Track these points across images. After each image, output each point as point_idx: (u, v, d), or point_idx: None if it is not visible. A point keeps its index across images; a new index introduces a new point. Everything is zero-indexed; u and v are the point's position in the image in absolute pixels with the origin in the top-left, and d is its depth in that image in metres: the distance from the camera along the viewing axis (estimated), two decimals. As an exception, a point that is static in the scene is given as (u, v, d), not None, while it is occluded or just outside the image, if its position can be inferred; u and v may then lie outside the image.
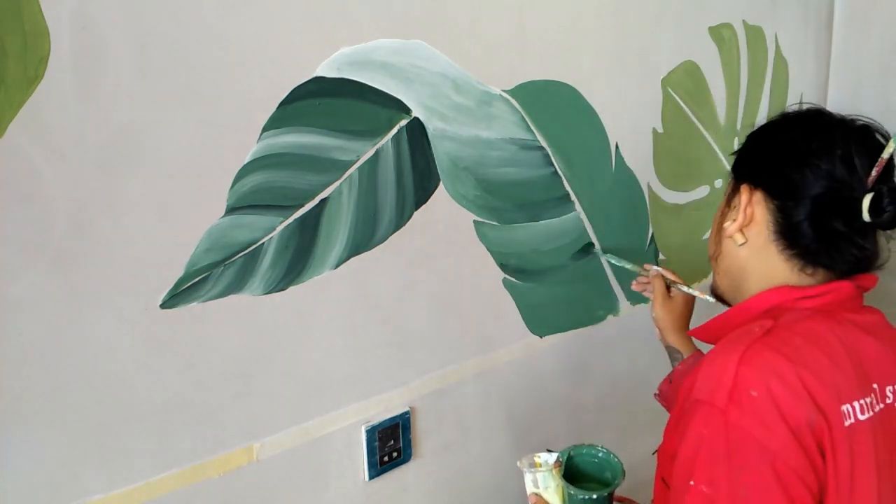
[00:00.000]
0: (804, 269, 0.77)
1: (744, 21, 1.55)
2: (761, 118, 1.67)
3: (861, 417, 0.69)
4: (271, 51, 0.84)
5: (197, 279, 0.82)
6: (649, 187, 1.40)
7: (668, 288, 1.09)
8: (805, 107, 0.84)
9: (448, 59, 1.01)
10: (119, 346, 0.78)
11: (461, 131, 1.05)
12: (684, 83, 1.42)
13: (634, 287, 1.19)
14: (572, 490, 0.88)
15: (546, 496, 0.90)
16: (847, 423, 0.67)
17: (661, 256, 1.46)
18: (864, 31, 1.80)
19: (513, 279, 1.19)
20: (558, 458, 0.92)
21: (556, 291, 1.26)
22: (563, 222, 1.24)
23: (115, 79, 0.73)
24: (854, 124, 0.77)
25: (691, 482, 0.68)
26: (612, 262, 1.25)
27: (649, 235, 1.43)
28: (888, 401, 0.73)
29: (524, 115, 1.13)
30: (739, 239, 0.80)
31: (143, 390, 0.80)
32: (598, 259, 1.32)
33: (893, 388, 0.74)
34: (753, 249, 0.80)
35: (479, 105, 1.06)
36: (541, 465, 0.91)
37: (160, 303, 0.80)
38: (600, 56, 1.24)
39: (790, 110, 0.84)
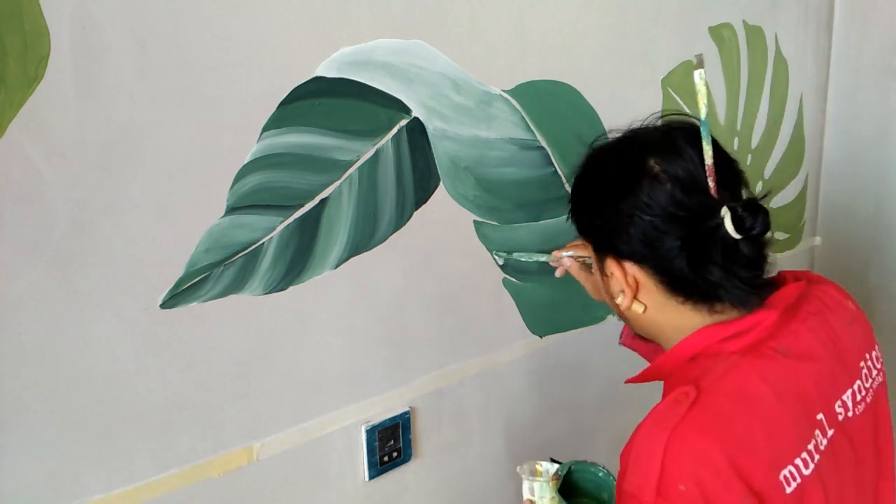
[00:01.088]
0: (713, 308, 0.73)
1: (744, 21, 1.55)
2: (761, 118, 1.67)
3: (806, 473, 0.65)
4: (271, 51, 0.84)
5: (197, 279, 0.82)
6: (649, 187, 1.39)
7: (586, 266, 1.01)
8: (598, 141, 0.80)
9: (448, 59, 1.01)
10: (119, 346, 0.78)
11: (461, 131, 1.05)
12: (684, 83, 1.42)
13: (558, 274, 1.09)
14: None
15: None
16: (789, 490, 0.64)
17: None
18: (864, 31, 1.80)
19: (513, 279, 1.19)
20: (557, 471, 0.92)
21: (556, 291, 1.26)
22: (563, 222, 1.24)
23: (115, 79, 0.73)
24: (661, 137, 0.73)
25: None
26: (523, 258, 1.18)
27: (649, 235, 1.42)
28: (841, 417, 0.71)
29: (524, 115, 1.13)
30: (638, 308, 0.76)
31: (143, 390, 0.80)
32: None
33: (842, 400, 0.71)
34: (655, 309, 0.75)
35: (479, 105, 1.06)
36: (541, 474, 0.91)
37: (160, 303, 0.80)
38: (600, 56, 1.24)
39: (600, 142, 0.80)
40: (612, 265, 0.75)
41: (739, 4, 1.53)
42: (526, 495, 0.92)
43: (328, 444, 0.99)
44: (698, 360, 0.72)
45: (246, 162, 0.84)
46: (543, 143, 1.17)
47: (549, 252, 1.08)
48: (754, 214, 0.67)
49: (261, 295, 0.88)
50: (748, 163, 1.65)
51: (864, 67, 1.81)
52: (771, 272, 0.74)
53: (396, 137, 0.98)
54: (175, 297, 0.81)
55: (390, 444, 1.05)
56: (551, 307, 1.26)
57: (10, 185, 0.69)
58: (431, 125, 1.01)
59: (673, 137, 0.73)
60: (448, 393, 1.14)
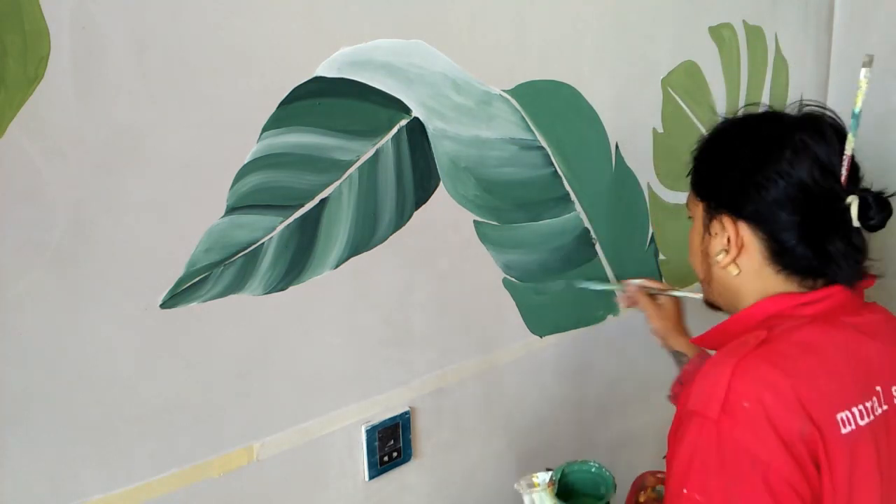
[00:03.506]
0: (802, 282, 0.78)
1: (744, 21, 1.55)
2: (761, 118, 1.67)
3: (861, 423, 0.69)
4: (271, 51, 0.84)
5: (197, 279, 0.82)
6: (649, 187, 1.40)
7: (653, 297, 1.10)
8: (746, 110, 0.84)
9: (448, 59, 1.01)
10: (119, 346, 0.78)
11: (461, 131, 1.05)
12: (684, 83, 1.42)
13: (624, 304, 1.20)
14: None
15: None
16: (844, 431, 0.67)
17: (661, 256, 1.46)
18: (864, 31, 1.80)
19: (513, 279, 1.19)
20: (552, 477, 0.93)
21: (557, 291, 1.26)
22: (564, 222, 1.24)
23: (115, 79, 0.73)
24: (807, 118, 0.78)
25: (685, 490, 0.69)
26: (593, 287, 1.25)
27: (649, 235, 1.43)
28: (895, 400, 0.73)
29: (524, 115, 1.13)
30: (734, 270, 0.80)
31: (142, 390, 0.80)
32: (599, 263, 1.32)
33: None
34: (748, 276, 0.80)
35: (479, 105, 1.06)
36: (538, 486, 0.92)
37: (160, 303, 0.80)
38: (600, 56, 1.24)
39: (734, 116, 0.84)
40: (725, 223, 0.79)
41: (739, 4, 1.53)
42: None
43: (328, 444, 0.99)
44: (770, 320, 0.76)
45: (246, 162, 0.84)
46: (543, 143, 1.17)
47: (619, 282, 1.18)
48: (881, 208, 0.73)
49: (261, 295, 0.88)
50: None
51: (864, 67, 1.81)
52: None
53: (396, 137, 0.98)
54: (175, 297, 0.81)
55: (390, 444, 1.05)
56: (551, 307, 1.26)
57: (10, 185, 0.69)
58: (431, 125, 1.01)
59: (819, 123, 0.78)
60: (448, 393, 1.14)
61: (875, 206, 0.73)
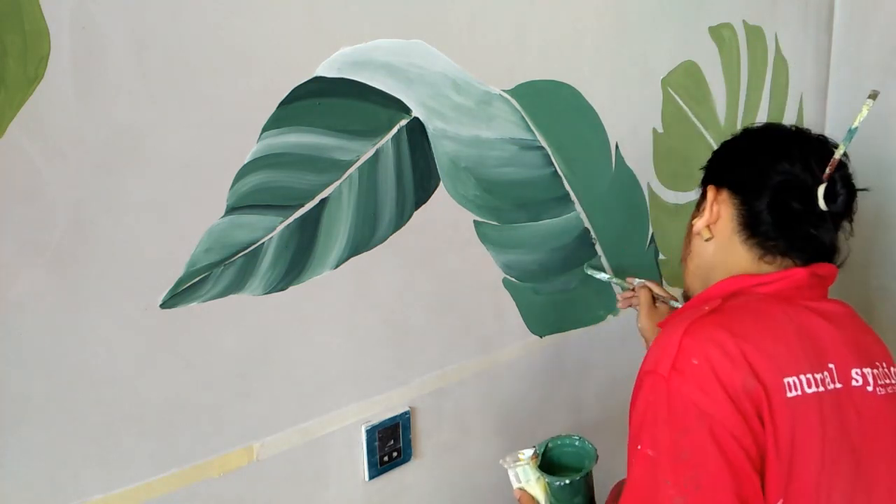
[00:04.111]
0: (763, 257, 0.82)
1: (744, 21, 1.55)
2: (761, 118, 1.67)
3: (808, 390, 0.71)
4: (271, 51, 0.84)
5: (197, 279, 0.82)
6: (649, 187, 1.40)
7: (654, 300, 1.13)
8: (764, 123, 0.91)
9: (448, 59, 1.01)
10: (119, 346, 0.78)
11: (461, 131, 1.05)
12: (684, 83, 1.42)
13: (620, 305, 1.21)
14: (547, 478, 0.91)
15: (529, 489, 0.93)
16: (790, 395, 0.70)
17: (661, 256, 1.46)
18: (864, 31, 1.80)
19: (513, 279, 1.19)
20: (535, 451, 0.94)
21: (556, 291, 1.26)
22: (563, 222, 1.24)
23: (115, 79, 0.73)
24: (810, 134, 0.84)
25: (638, 446, 0.72)
26: (598, 276, 1.26)
27: (649, 235, 1.43)
28: (854, 384, 0.75)
29: (524, 115, 1.13)
30: (706, 234, 0.86)
31: (142, 390, 0.80)
32: (599, 260, 1.32)
33: (861, 371, 0.76)
34: (719, 243, 0.85)
35: (479, 105, 1.06)
36: (522, 461, 0.93)
37: (160, 303, 0.80)
38: (600, 56, 1.24)
39: (752, 126, 0.91)
40: (711, 190, 0.86)
41: (739, 4, 1.53)
42: (514, 484, 0.94)
43: (328, 444, 0.99)
44: (727, 297, 0.80)
45: (246, 162, 0.84)
46: (543, 143, 1.17)
47: (623, 278, 1.21)
48: (845, 185, 0.79)
49: (261, 295, 0.88)
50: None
51: (864, 67, 1.81)
52: (843, 257, 0.84)
53: (396, 137, 0.98)
54: (175, 297, 0.81)
55: (390, 444, 1.05)
56: (551, 307, 1.26)
57: (10, 185, 0.69)
58: (431, 125, 1.01)
59: (810, 133, 0.85)
60: (448, 393, 1.14)
61: (840, 182, 0.79)
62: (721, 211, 0.85)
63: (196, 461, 0.86)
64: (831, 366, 0.74)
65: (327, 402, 0.98)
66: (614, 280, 1.24)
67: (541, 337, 1.26)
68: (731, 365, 0.69)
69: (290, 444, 0.95)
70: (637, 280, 1.17)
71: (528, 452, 0.93)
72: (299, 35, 0.86)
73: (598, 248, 1.31)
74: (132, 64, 0.74)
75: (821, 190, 0.77)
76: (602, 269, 1.28)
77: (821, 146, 0.82)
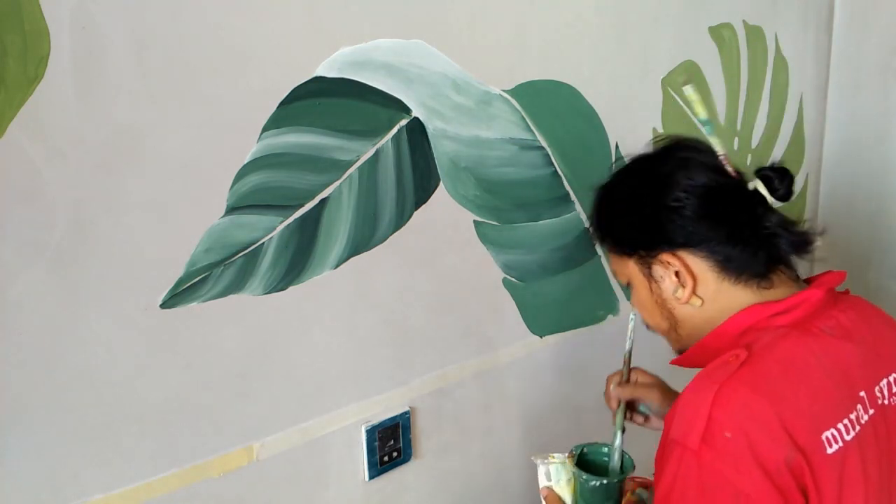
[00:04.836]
0: (760, 284, 0.77)
1: (744, 21, 1.55)
2: (761, 118, 1.67)
3: (847, 438, 0.67)
4: (271, 51, 0.84)
5: (197, 279, 0.82)
6: (649, 187, 1.40)
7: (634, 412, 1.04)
8: (625, 160, 0.86)
9: (448, 59, 1.01)
10: (119, 346, 0.78)
11: (461, 131, 1.05)
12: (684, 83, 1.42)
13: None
14: (584, 476, 0.88)
15: (557, 489, 0.91)
16: (831, 451, 0.66)
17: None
18: (864, 31, 1.80)
19: (513, 279, 1.19)
20: (571, 450, 0.93)
21: (556, 291, 1.26)
22: (564, 222, 1.24)
23: (115, 79, 0.73)
24: (671, 145, 0.81)
25: None
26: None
27: (649, 235, 1.42)
28: (881, 402, 0.73)
29: (524, 115, 1.13)
30: (697, 302, 0.79)
31: (142, 390, 0.80)
32: (599, 263, 1.32)
33: (880, 386, 0.74)
34: (711, 300, 0.79)
35: (479, 105, 1.06)
36: (555, 459, 0.92)
37: (160, 303, 0.80)
38: (600, 56, 1.24)
39: (607, 179, 0.86)
40: (666, 259, 0.79)
41: (739, 4, 1.53)
42: (542, 482, 0.92)
43: (328, 444, 0.99)
44: (747, 334, 0.75)
45: (246, 162, 0.84)
46: (543, 143, 1.17)
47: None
48: (782, 176, 0.76)
49: (261, 295, 0.88)
50: (748, 163, 1.65)
51: (864, 67, 1.81)
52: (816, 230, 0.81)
53: (396, 137, 0.98)
54: (175, 297, 0.81)
55: (390, 444, 1.05)
56: (551, 307, 1.26)
57: (10, 185, 0.69)
58: (431, 125, 1.01)
59: (683, 141, 0.81)
60: (448, 393, 1.14)
61: (776, 176, 0.75)
62: (694, 269, 0.78)
63: (196, 461, 0.86)
64: (862, 394, 0.71)
65: (327, 402, 0.98)
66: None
67: (541, 337, 1.26)
68: (770, 439, 0.64)
69: (290, 444, 0.95)
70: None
71: (558, 455, 0.92)
72: (299, 35, 0.86)
73: (597, 248, 1.31)
74: (132, 64, 0.74)
75: (761, 188, 0.75)
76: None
77: (708, 150, 0.78)
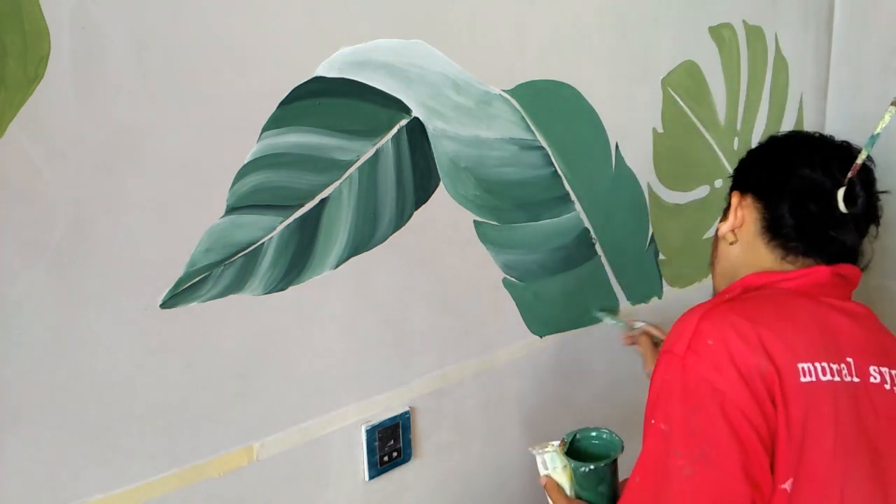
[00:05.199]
0: (785, 257, 0.84)
1: (744, 21, 1.55)
2: (761, 118, 1.67)
3: (822, 378, 0.72)
4: (271, 51, 0.84)
5: (197, 279, 0.82)
6: (649, 187, 1.40)
7: (654, 345, 1.17)
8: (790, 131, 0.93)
9: (448, 59, 1.01)
10: (119, 346, 0.78)
11: (461, 131, 1.05)
12: (684, 83, 1.42)
13: (624, 342, 1.26)
14: (573, 463, 0.91)
15: (555, 476, 0.94)
16: (804, 380, 0.71)
17: (661, 256, 1.46)
18: (864, 31, 1.80)
19: (513, 279, 1.19)
20: (563, 439, 0.96)
21: (556, 291, 1.26)
22: (564, 222, 1.24)
23: (115, 79, 0.73)
24: (833, 141, 0.87)
25: (652, 421, 0.75)
26: (602, 319, 1.31)
27: (649, 235, 1.43)
28: (872, 380, 0.76)
29: (524, 115, 1.13)
30: (730, 238, 0.89)
31: (142, 390, 0.80)
32: (599, 263, 1.32)
33: (879, 369, 0.77)
34: (743, 247, 0.88)
35: (479, 105, 1.06)
36: (550, 448, 0.95)
37: (160, 303, 0.80)
38: (600, 56, 1.24)
39: (777, 134, 0.93)
40: (735, 196, 0.89)
41: (739, 4, 1.53)
42: (542, 471, 0.95)
43: (328, 444, 0.99)
44: (750, 290, 0.83)
45: (246, 162, 0.84)
46: (543, 143, 1.17)
47: (624, 321, 1.25)
48: (864, 188, 0.81)
49: (261, 295, 0.88)
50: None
51: (864, 67, 1.81)
52: (867, 260, 0.87)
53: (396, 137, 0.98)
54: (175, 297, 0.81)
55: (390, 444, 1.05)
56: (551, 307, 1.26)
57: (10, 185, 0.69)
58: (431, 125, 1.01)
59: (847, 143, 0.87)
60: (448, 393, 1.14)
61: (860, 186, 0.81)
62: (745, 215, 0.88)
63: (196, 461, 0.86)
64: (849, 360, 0.75)
65: (327, 402, 0.98)
66: (618, 323, 1.28)
67: (541, 337, 1.26)
68: (746, 347, 0.71)
69: (290, 444, 0.95)
70: (638, 322, 1.19)
71: (556, 443, 0.95)
72: (299, 35, 0.86)
73: (597, 248, 1.31)
74: (132, 64, 0.74)
75: (840, 193, 0.79)
76: (613, 312, 1.31)
77: (843, 151, 0.84)
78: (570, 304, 1.29)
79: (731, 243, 0.89)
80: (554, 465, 0.93)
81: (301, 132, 0.88)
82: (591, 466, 0.89)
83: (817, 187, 0.81)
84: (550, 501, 0.94)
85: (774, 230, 0.85)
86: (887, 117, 0.81)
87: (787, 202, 0.83)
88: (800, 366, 0.72)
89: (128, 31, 0.73)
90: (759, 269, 0.86)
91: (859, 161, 0.80)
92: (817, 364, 0.73)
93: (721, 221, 0.92)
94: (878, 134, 0.82)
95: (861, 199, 0.81)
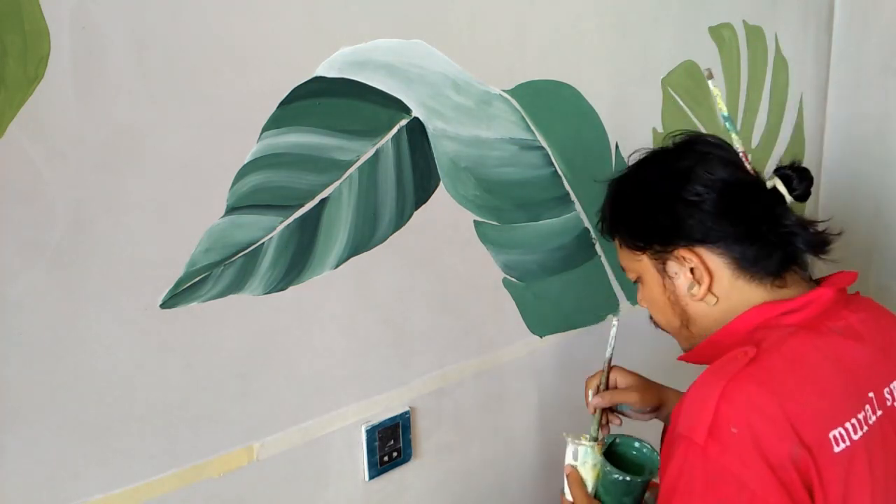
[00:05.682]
0: (774, 283, 0.78)
1: (744, 21, 1.55)
2: (761, 118, 1.67)
3: (855, 437, 0.67)
4: (271, 51, 0.84)
5: (197, 279, 0.82)
6: (649, 187, 1.40)
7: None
8: (634, 156, 0.86)
9: (448, 59, 1.01)
10: (119, 346, 0.78)
11: (461, 131, 1.05)
12: (684, 83, 1.42)
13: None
14: (608, 468, 0.88)
15: (582, 471, 0.90)
16: (838, 450, 0.66)
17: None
18: (864, 31, 1.80)
19: (513, 279, 1.19)
20: (603, 438, 0.93)
21: (556, 291, 1.26)
22: (564, 222, 1.24)
23: (115, 79, 0.73)
24: (688, 140, 0.81)
25: None
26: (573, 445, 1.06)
27: (649, 235, 1.42)
28: (889, 403, 0.73)
29: (524, 115, 1.13)
30: (712, 300, 0.79)
31: (142, 390, 0.80)
32: (599, 263, 1.32)
33: (890, 388, 0.74)
34: (725, 297, 0.79)
35: (479, 105, 1.06)
36: (586, 441, 0.92)
37: (160, 303, 0.80)
38: (600, 56, 1.24)
39: (622, 171, 0.86)
40: (683, 255, 0.79)
41: (739, 4, 1.53)
42: (569, 460, 0.92)
43: (328, 444, 0.99)
44: (757, 332, 0.75)
45: (246, 162, 0.84)
46: (543, 143, 1.17)
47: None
48: (801, 177, 0.76)
49: (261, 295, 0.88)
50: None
51: (864, 67, 1.81)
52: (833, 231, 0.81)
53: (396, 137, 0.98)
54: (175, 297, 0.81)
55: (390, 444, 1.05)
56: (551, 307, 1.26)
57: (10, 185, 0.69)
58: (431, 125, 1.01)
59: (701, 137, 0.81)
60: (448, 393, 1.14)
61: (796, 176, 0.76)
62: (711, 267, 0.78)
63: (196, 461, 0.86)
64: (871, 395, 0.71)
65: (327, 402, 0.98)
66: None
67: (541, 337, 1.26)
68: (776, 434, 0.64)
69: (290, 444, 0.95)
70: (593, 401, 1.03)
71: (594, 437, 0.93)
72: (299, 35, 0.86)
73: (597, 248, 1.31)
74: (132, 64, 0.74)
75: (780, 186, 0.76)
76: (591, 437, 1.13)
77: (728, 146, 0.80)
78: (570, 304, 1.29)
79: (714, 304, 0.79)
80: (584, 460, 0.90)
81: (301, 132, 0.88)
82: (626, 478, 0.86)
83: (754, 191, 0.76)
84: (568, 492, 0.91)
85: (753, 265, 0.77)
86: (716, 92, 0.80)
87: (746, 231, 0.76)
88: (832, 435, 0.66)
89: (128, 31, 0.73)
90: (751, 305, 0.78)
91: (740, 147, 0.77)
92: (847, 424, 0.67)
93: (665, 285, 0.82)
94: (728, 114, 0.80)
95: (796, 181, 0.76)
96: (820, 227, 0.79)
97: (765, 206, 0.76)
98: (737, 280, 0.78)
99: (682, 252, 0.79)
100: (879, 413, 0.71)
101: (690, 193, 0.77)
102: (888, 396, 0.73)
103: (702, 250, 0.78)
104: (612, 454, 0.94)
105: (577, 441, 0.92)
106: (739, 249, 0.77)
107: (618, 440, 0.95)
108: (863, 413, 0.69)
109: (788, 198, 0.76)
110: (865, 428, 0.68)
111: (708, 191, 0.76)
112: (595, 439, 0.94)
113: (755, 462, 0.64)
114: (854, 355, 0.73)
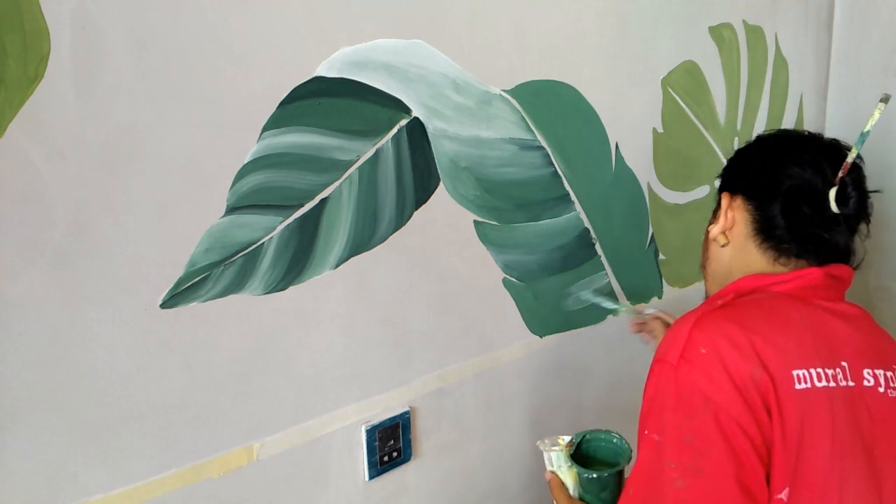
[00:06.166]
0: (778, 259, 0.83)
1: (744, 21, 1.55)
2: (761, 118, 1.67)
3: (818, 384, 0.72)
4: (271, 51, 0.84)
5: (197, 279, 0.82)
6: (649, 187, 1.40)
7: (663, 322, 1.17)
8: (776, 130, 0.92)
9: (448, 58, 1.01)
10: (119, 346, 0.78)
11: (461, 131, 1.05)
12: (684, 83, 1.42)
13: (632, 329, 1.26)
14: (577, 469, 0.91)
15: (560, 474, 0.93)
16: (799, 387, 0.71)
17: (661, 256, 1.46)
18: (864, 31, 1.80)
19: (513, 279, 1.19)
20: (571, 439, 0.95)
21: (556, 291, 1.26)
22: (564, 222, 1.24)
23: (115, 79, 0.73)
24: (823, 139, 0.85)
25: (645, 431, 0.74)
26: (606, 305, 1.30)
27: (649, 235, 1.43)
28: (866, 383, 0.75)
29: (524, 115, 1.13)
30: (722, 240, 0.88)
31: (142, 390, 0.80)
32: (599, 263, 1.32)
33: (873, 372, 0.76)
34: (735, 249, 0.87)
35: (479, 105, 1.06)
36: (560, 445, 0.94)
37: (160, 303, 0.80)
38: (600, 56, 1.24)
39: (765, 133, 0.92)
40: (725, 197, 0.88)
41: (739, 4, 1.53)
42: (548, 467, 0.95)
43: (328, 444, 0.99)
44: (743, 294, 0.82)
45: (246, 162, 0.84)
46: (543, 143, 1.17)
47: (631, 307, 1.26)
48: (856, 187, 0.80)
49: (261, 295, 0.88)
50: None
51: (864, 67, 1.81)
52: (859, 259, 0.86)
53: (396, 137, 0.98)
54: (175, 297, 0.81)
55: (390, 444, 1.05)
56: (551, 307, 1.26)
57: (10, 185, 0.69)
58: (431, 125, 1.01)
59: (836, 141, 0.86)
60: (448, 393, 1.14)
61: (852, 185, 0.80)
62: (736, 217, 0.86)
63: (196, 461, 0.86)
64: (844, 364, 0.75)
65: (327, 402, 0.98)
66: (627, 310, 1.27)
67: (541, 337, 1.26)
68: (740, 355, 0.70)
69: (290, 444, 0.95)
70: (649, 309, 1.19)
71: (567, 438, 0.95)
72: (299, 35, 0.86)
73: (597, 247, 1.31)
74: (132, 64, 0.74)
75: (832, 193, 0.78)
76: (612, 296, 1.30)
77: (833, 150, 0.82)
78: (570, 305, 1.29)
79: (723, 245, 0.88)
80: (559, 464, 0.93)
81: (301, 132, 0.88)
82: (595, 475, 0.89)
83: (809, 187, 0.80)
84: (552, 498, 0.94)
85: (766, 232, 0.83)
86: (877, 114, 0.82)
87: (779, 203, 0.82)
88: (794, 373, 0.71)
89: (128, 31, 0.73)
90: (752, 271, 0.84)
91: (850, 160, 0.79)
92: (812, 370, 0.72)
93: (711, 223, 0.91)
94: (868, 132, 0.81)
95: (853, 199, 0.80)
96: (854, 258, 0.84)
97: (807, 205, 0.80)
98: (749, 240, 0.85)
99: (726, 196, 0.88)
100: (852, 384, 0.74)
101: (771, 164, 0.84)
102: (868, 377, 0.76)
103: (740, 201, 0.86)
104: (584, 452, 0.96)
105: (549, 448, 0.94)
106: (768, 220, 0.83)
107: (587, 436, 0.97)
108: (832, 371, 0.73)
109: (833, 206, 0.79)
110: (832, 383, 0.72)
111: (780, 171, 0.82)
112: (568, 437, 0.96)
113: (721, 378, 0.70)
114: (835, 329, 0.77)
